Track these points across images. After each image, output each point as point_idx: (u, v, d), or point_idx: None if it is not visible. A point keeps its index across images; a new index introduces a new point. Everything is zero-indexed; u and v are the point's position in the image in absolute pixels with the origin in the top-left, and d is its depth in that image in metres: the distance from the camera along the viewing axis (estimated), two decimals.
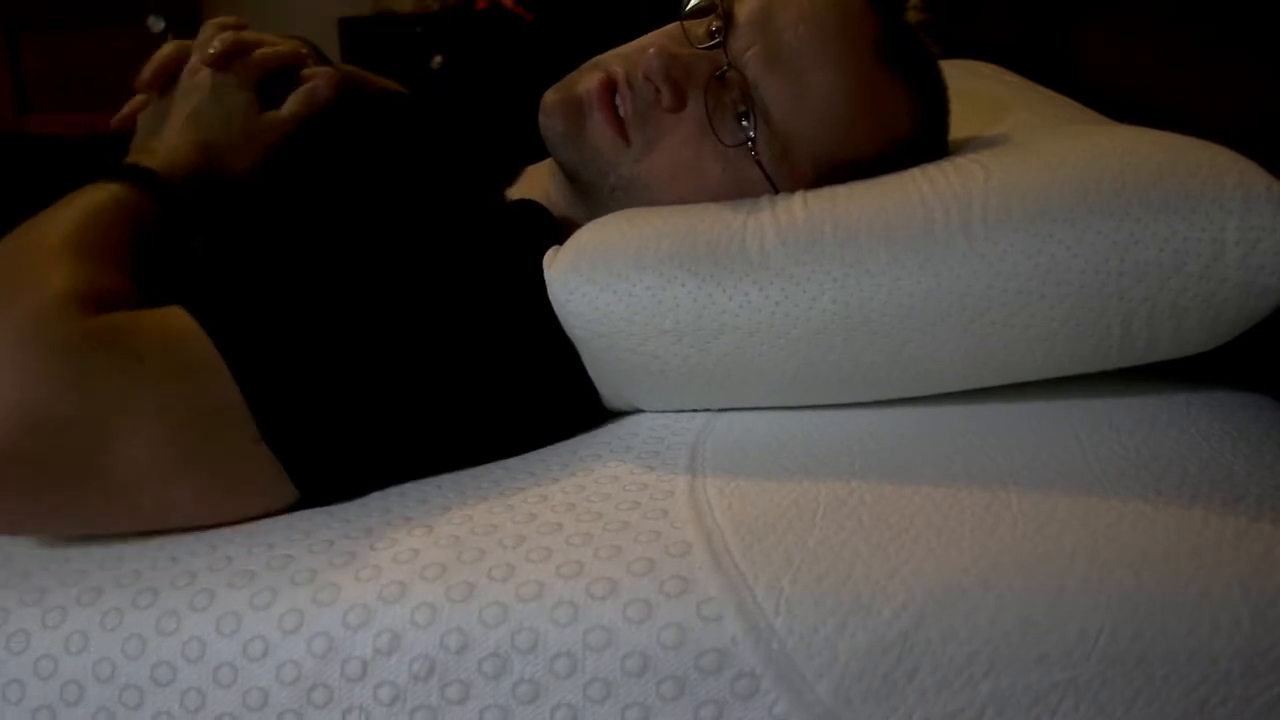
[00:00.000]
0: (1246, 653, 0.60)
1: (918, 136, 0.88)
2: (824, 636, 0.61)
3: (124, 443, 0.66)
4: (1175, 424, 0.74)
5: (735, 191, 0.84)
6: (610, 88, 0.85)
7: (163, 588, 0.66)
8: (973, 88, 1.13)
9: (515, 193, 0.94)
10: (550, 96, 0.86)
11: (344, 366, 0.72)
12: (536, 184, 0.95)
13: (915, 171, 0.80)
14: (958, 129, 0.93)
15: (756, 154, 0.83)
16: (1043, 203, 0.72)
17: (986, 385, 0.77)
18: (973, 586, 0.62)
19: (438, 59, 3.19)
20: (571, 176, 0.89)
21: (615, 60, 0.87)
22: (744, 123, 0.83)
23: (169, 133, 0.89)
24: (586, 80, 0.86)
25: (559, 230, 0.86)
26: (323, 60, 1.03)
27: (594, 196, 0.88)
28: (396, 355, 0.74)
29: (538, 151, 0.95)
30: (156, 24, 3.25)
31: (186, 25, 3.19)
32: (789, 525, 0.66)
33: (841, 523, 0.66)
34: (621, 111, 0.85)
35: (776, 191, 0.84)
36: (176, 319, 0.70)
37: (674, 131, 0.84)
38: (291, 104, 0.93)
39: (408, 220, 0.85)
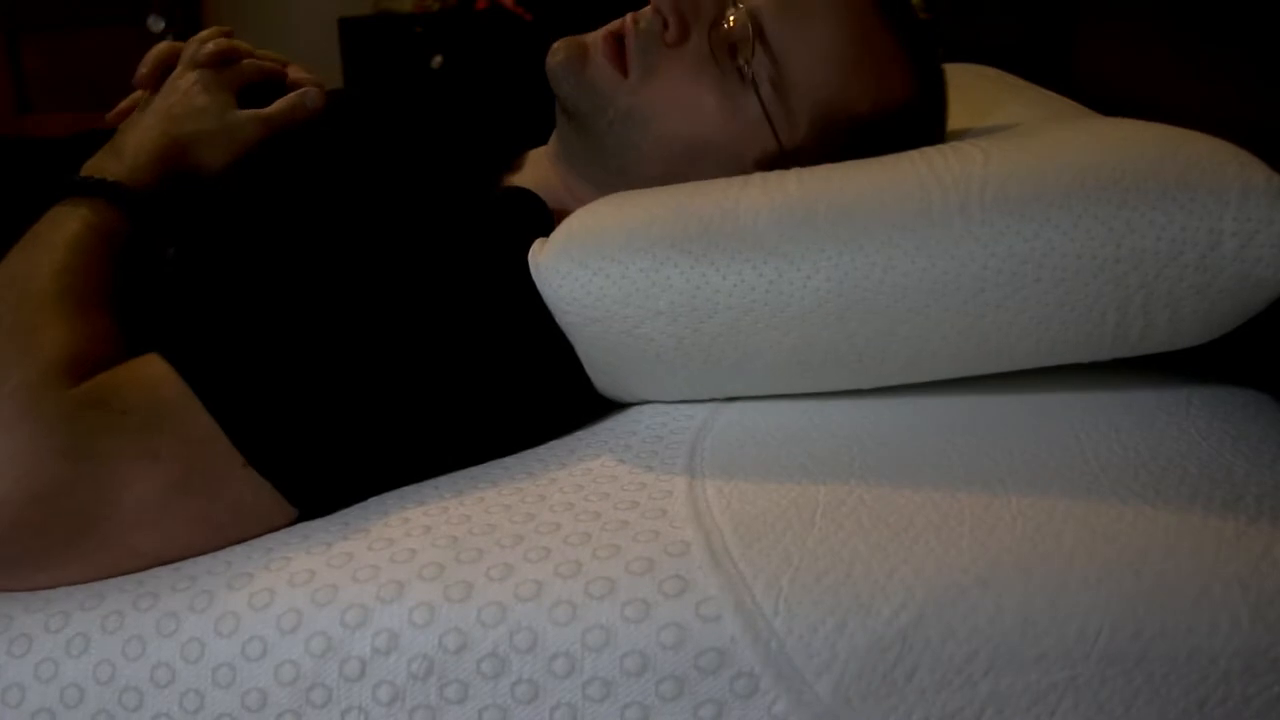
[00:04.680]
0: (1246, 652, 0.60)
1: (913, 107, 0.90)
2: (823, 636, 0.61)
3: (118, 493, 0.67)
4: (1175, 423, 0.74)
5: (732, 129, 0.87)
6: (618, 33, 0.89)
7: (163, 591, 0.66)
8: (974, 89, 1.13)
9: (515, 178, 0.94)
10: (559, 41, 0.90)
11: (322, 377, 0.72)
12: (538, 167, 0.96)
13: (913, 153, 0.80)
14: (958, 125, 0.93)
15: (757, 88, 0.86)
16: (1040, 187, 0.72)
17: (982, 371, 0.77)
18: (972, 586, 0.62)
19: (438, 59, 3.19)
20: (571, 113, 0.91)
21: (626, 15, 0.90)
22: (746, 64, 0.86)
23: (141, 128, 0.89)
24: (597, 31, 0.90)
25: (550, 218, 0.86)
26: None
27: (592, 133, 0.90)
28: (375, 361, 0.74)
29: (538, 140, 0.98)
30: (156, 24, 3.25)
31: (186, 25, 3.19)
32: (788, 525, 0.66)
33: (841, 522, 0.66)
34: (625, 47, 0.88)
35: (774, 131, 0.87)
36: (152, 367, 0.71)
37: (675, 64, 0.87)
38: (280, 105, 0.94)
39: (385, 220, 0.86)
